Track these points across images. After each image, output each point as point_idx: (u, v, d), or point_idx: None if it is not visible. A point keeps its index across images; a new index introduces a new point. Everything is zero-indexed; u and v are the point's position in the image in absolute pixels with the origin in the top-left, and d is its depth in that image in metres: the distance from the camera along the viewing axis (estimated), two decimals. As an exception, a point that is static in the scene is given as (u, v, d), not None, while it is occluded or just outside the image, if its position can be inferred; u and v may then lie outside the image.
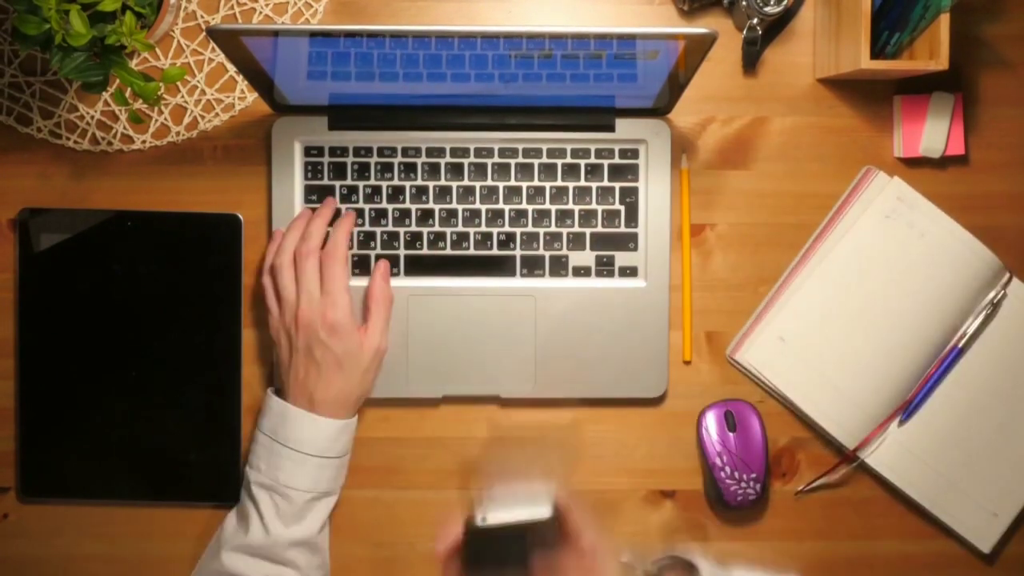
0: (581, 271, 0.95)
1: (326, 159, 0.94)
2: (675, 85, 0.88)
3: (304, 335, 0.88)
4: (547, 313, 0.95)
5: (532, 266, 0.95)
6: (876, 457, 0.95)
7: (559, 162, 0.95)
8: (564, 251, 0.95)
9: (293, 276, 0.90)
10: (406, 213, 0.95)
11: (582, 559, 0.79)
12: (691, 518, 0.97)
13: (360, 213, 0.94)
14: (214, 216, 0.95)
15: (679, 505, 0.97)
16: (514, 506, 0.81)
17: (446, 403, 0.96)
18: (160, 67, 0.96)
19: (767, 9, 0.92)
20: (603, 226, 0.95)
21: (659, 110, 0.94)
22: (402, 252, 0.95)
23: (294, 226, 0.92)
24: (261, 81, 0.89)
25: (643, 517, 0.97)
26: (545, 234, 0.95)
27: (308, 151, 0.94)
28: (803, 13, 0.97)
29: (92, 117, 0.96)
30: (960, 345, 0.95)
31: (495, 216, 0.95)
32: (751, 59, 0.96)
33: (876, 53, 0.90)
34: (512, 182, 0.95)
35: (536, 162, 0.95)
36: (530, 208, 0.95)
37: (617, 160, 0.95)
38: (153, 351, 0.95)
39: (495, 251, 0.95)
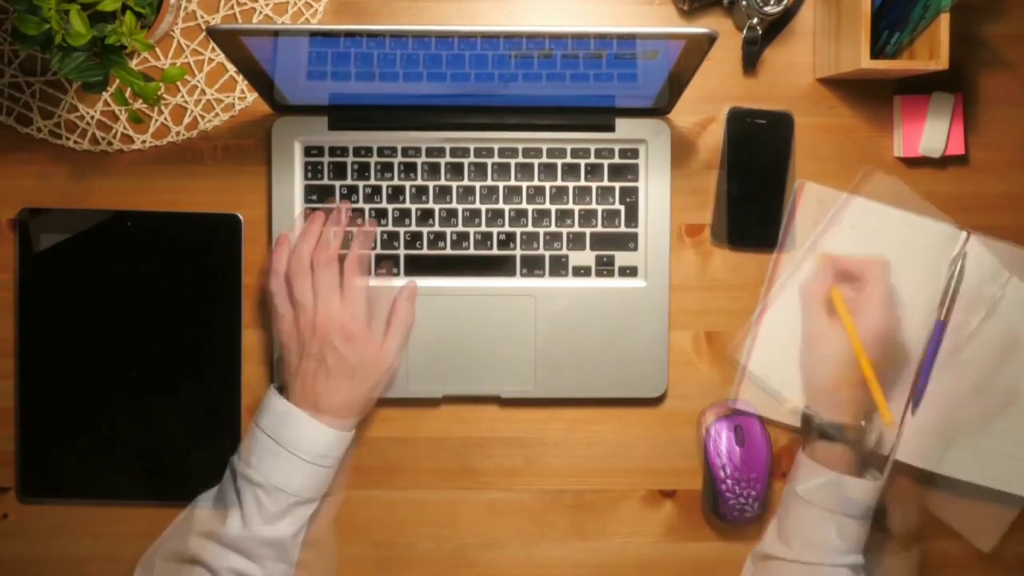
0: (581, 271, 0.95)
1: (326, 159, 0.94)
2: (675, 85, 0.88)
3: (319, 341, 0.88)
4: (547, 313, 0.95)
5: (532, 266, 0.95)
6: (903, 453, 0.94)
7: (559, 162, 0.95)
8: (564, 251, 0.95)
9: (311, 282, 0.89)
10: (406, 213, 0.95)
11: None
12: (691, 518, 0.97)
13: (360, 213, 0.94)
14: (214, 216, 0.95)
15: (679, 505, 0.97)
16: None
17: (446, 403, 0.96)
18: (160, 67, 0.96)
19: (767, 9, 0.92)
20: (603, 226, 0.95)
21: (659, 110, 0.94)
22: (402, 252, 0.95)
23: (308, 231, 0.92)
24: (261, 81, 0.89)
25: (643, 517, 0.97)
26: (545, 234, 0.95)
27: (308, 151, 0.94)
28: (803, 13, 0.97)
29: (92, 117, 0.96)
30: (941, 318, 0.95)
31: (495, 216, 0.95)
32: (751, 59, 0.96)
33: (876, 53, 0.90)
34: (512, 182, 0.95)
35: (536, 162, 0.95)
36: (530, 208, 0.95)
37: (617, 160, 0.95)
38: (153, 351, 0.95)
39: (495, 251, 0.95)
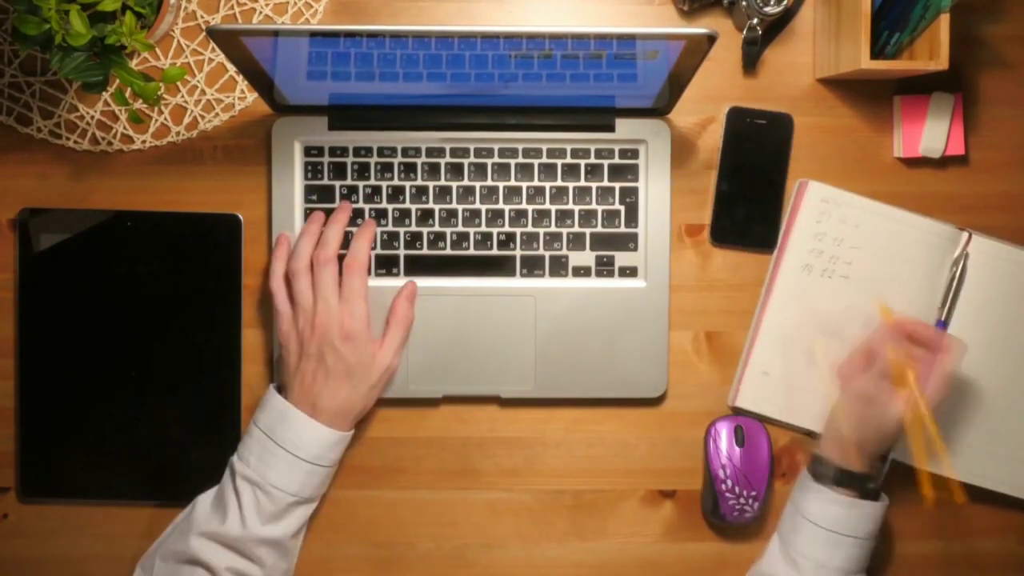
0: (581, 271, 0.95)
1: (326, 159, 0.94)
2: (675, 85, 0.88)
3: (318, 341, 0.88)
4: (547, 313, 0.95)
5: (532, 266, 0.95)
6: (903, 452, 0.95)
7: (559, 162, 0.95)
8: (564, 251, 0.95)
9: (310, 282, 0.89)
10: (406, 213, 0.95)
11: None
12: (691, 518, 0.97)
13: (360, 213, 0.94)
14: (214, 216, 0.95)
15: (679, 505, 0.97)
16: None
17: (446, 403, 0.96)
18: (160, 67, 0.96)
19: (767, 9, 0.92)
20: (603, 226, 0.95)
21: (659, 110, 0.94)
22: (402, 252, 0.95)
23: (308, 230, 0.91)
24: (261, 81, 0.89)
25: (643, 517, 0.97)
26: (545, 234, 0.95)
27: (308, 151, 0.94)
28: (803, 13, 0.97)
29: (92, 117, 0.96)
30: (942, 319, 0.95)
31: (495, 216, 0.95)
32: (751, 59, 0.96)
33: (876, 53, 0.90)
34: (512, 182, 0.95)
35: (536, 162, 0.95)
36: (530, 208, 0.95)
37: (617, 160, 0.95)
38: (153, 351, 0.95)
39: (495, 251, 0.95)
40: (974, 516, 0.97)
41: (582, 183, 0.95)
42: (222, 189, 0.96)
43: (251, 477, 0.87)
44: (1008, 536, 0.97)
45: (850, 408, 0.89)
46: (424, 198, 0.95)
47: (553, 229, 0.95)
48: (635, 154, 0.95)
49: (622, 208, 0.95)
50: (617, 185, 0.95)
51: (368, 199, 0.94)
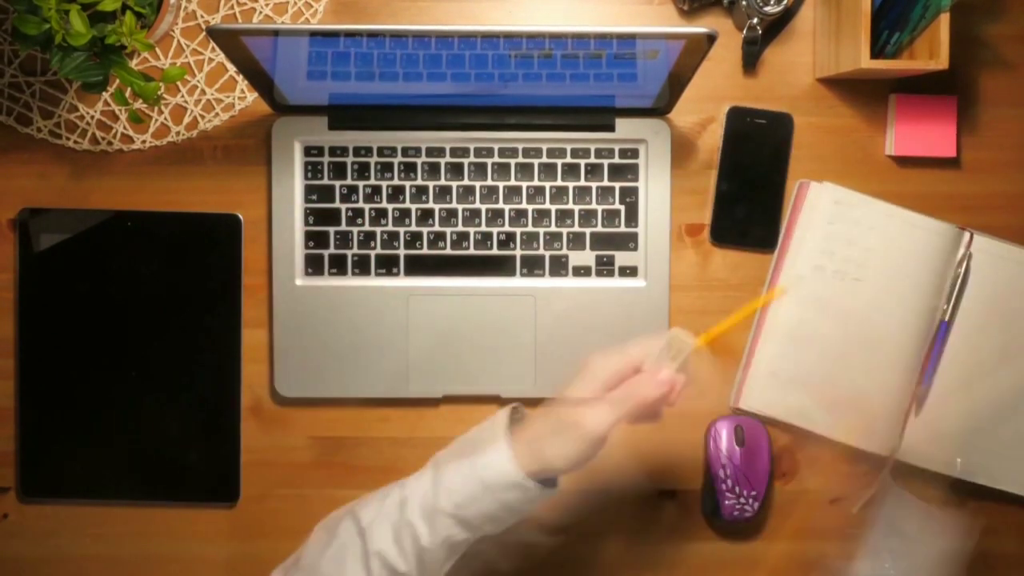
0: (581, 271, 0.95)
1: (326, 159, 0.94)
2: (675, 85, 0.88)
3: None
4: (547, 313, 0.95)
5: (532, 266, 0.95)
6: (907, 453, 0.95)
7: (559, 162, 0.95)
8: (564, 251, 0.95)
9: None
10: (406, 213, 0.95)
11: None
12: (691, 518, 0.97)
13: (360, 213, 0.94)
14: (214, 216, 0.95)
15: (679, 505, 0.97)
16: None
17: (446, 403, 0.96)
18: (160, 67, 0.96)
19: (767, 9, 0.92)
20: (603, 226, 0.95)
21: (659, 110, 0.94)
22: (402, 252, 0.95)
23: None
24: (261, 81, 0.89)
25: (643, 517, 0.97)
26: (545, 234, 0.95)
27: (308, 151, 0.94)
28: (803, 13, 0.97)
29: (92, 117, 0.96)
30: (946, 319, 0.95)
31: (495, 216, 0.95)
32: (751, 59, 0.96)
33: (876, 53, 0.90)
34: (512, 182, 0.95)
35: (536, 162, 0.95)
36: (530, 208, 0.95)
37: (617, 160, 0.95)
38: (153, 351, 0.95)
39: (495, 251, 0.95)
40: (974, 516, 0.97)
41: (582, 183, 0.95)
42: (222, 189, 0.96)
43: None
44: (1008, 536, 0.97)
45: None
46: (424, 198, 0.95)
47: (553, 229, 0.95)
48: (635, 154, 0.95)
49: (622, 208, 0.95)
50: (617, 185, 0.95)
51: (368, 199, 0.95)
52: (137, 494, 0.96)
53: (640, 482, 0.97)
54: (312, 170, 0.95)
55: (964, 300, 0.95)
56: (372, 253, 0.95)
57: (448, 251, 0.95)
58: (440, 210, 0.95)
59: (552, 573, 0.97)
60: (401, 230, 0.95)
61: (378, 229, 0.95)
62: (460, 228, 0.95)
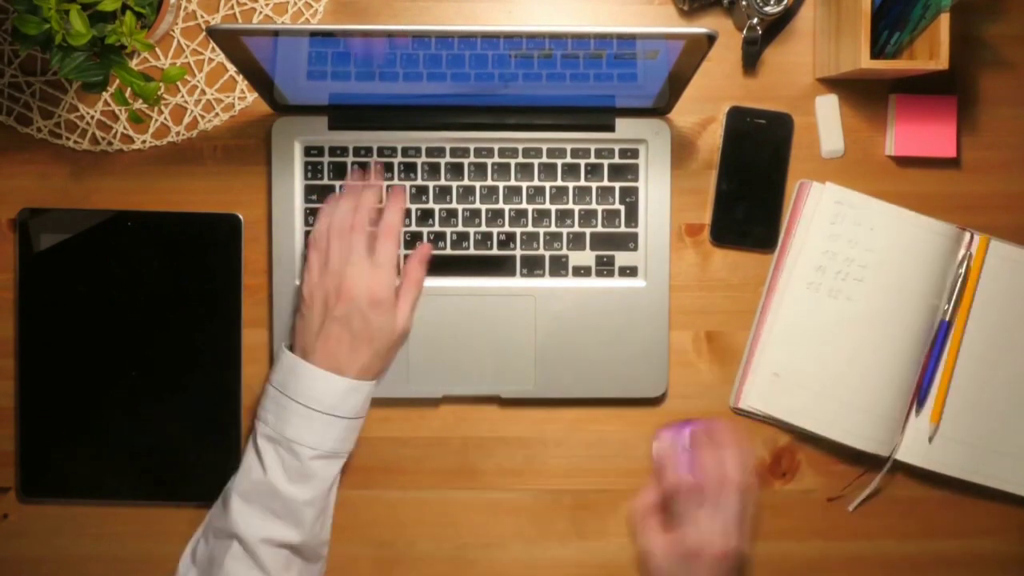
0: (581, 271, 0.95)
1: (326, 159, 0.94)
2: (675, 85, 0.88)
3: (344, 305, 0.88)
4: (547, 313, 0.95)
5: (532, 266, 0.95)
6: (906, 453, 0.95)
7: (559, 162, 0.95)
8: (564, 251, 0.95)
9: (342, 246, 0.90)
10: (406, 213, 0.95)
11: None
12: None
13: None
14: (214, 216, 0.95)
15: (679, 505, 0.97)
16: None
17: (446, 403, 0.96)
18: (160, 67, 0.96)
19: (767, 9, 0.92)
20: (603, 226, 0.95)
21: (659, 110, 0.94)
22: (402, 252, 0.95)
23: (351, 194, 0.92)
24: (261, 81, 0.89)
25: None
26: (545, 234, 0.95)
27: (308, 151, 0.94)
28: (803, 13, 0.97)
29: (92, 117, 0.96)
30: (946, 319, 0.95)
31: (495, 216, 0.95)
32: (751, 59, 0.96)
33: (876, 53, 0.90)
34: (512, 182, 0.95)
35: (536, 162, 0.95)
36: (530, 208, 0.95)
37: (617, 160, 0.95)
38: (153, 351, 0.95)
39: (495, 251, 0.95)
40: (974, 516, 0.97)
41: (582, 183, 0.95)
42: (222, 189, 0.96)
43: (271, 435, 0.87)
44: (1009, 535, 0.97)
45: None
46: (424, 198, 0.95)
47: (553, 229, 0.95)
48: (635, 154, 0.95)
49: (622, 208, 0.95)
50: (617, 185, 0.95)
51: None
52: (137, 494, 0.96)
53: (641, 482, 0.97)
54: (312, 170, 0.95)
55: (974, 302, 0.95)
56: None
57: (448, 251, 0.95)
58: (440, 210, 0.95)
59: (552, 573, 0.97)
60: (401, 230, 0.95)
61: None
62: (460, 228, 0.95)
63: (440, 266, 0.95)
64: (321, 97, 0.92)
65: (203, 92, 0.96)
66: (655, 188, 0.95)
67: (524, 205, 0.95)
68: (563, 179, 0.95)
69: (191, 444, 0.95)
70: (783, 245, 0.96)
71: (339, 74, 0.87)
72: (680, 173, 0.96)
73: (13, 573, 0.96)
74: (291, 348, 0.91)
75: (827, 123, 0.96)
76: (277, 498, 0.86)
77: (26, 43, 0.82)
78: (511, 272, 0.95)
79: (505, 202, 0.95)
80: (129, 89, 0.85)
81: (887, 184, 0.96)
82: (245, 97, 0.96)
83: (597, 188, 0.95)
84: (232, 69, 0.96)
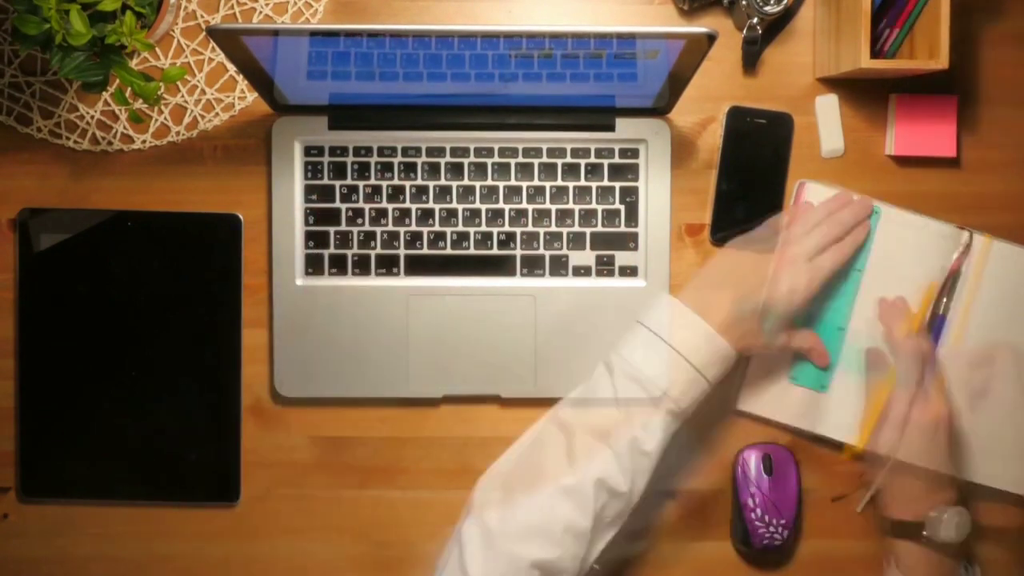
0: (581, 271, 0.95)
1: (326, 159, 0.94)
2: (675, 85, 0.88)
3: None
4: (547, 313, 0.95)
5: (532, 266, 0.95)
6: (905, 451, 0.95)
7: (559, 162, 0.95)
8: (564, 251, 0.95)
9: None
10: (406, 213, 0.95)
11: None
12: (691, 518, 0.97)
13: (360, 213, 0.94)
14: (214, 216, 0.95)
15: (679, 505, 0.97)
16: None
17: (446, 403, 0.96)
18: (160, 67, 0.96)
19: (767, 9, 0.92)
20: (603, 226, 0.95)
21: (659, 110, 0.94)
22: (402, 252, 0.95)
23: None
24: (261, 81, 0.89)
25: (643, 517, 0.97)
26: (545, 234, 0.95)
27: (308, 151, 0.94)
28: (803, 13, 0.97)
29: (92, 117, 0.96)
30: (941, 313, 0.95)
31: (495, 216, 0.95)
32: (751, 59, 0.96)
33: (876, 53, 0.90)
34: (512, 182, 0.95)
35: (536, 162, 0.95)
36: (530, 208, 0.95)
37: (617, 160, 0.95)
38: (153, 351, 0.95)
39: (495, 251, 0.95)
40: (974, 516, 0.97)
41: (582, 182, 0.95)
42: (222, 189, 0.96)
43: (629, 372, 0.84)
44: (1009, 535, 0.97)
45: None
46: (424, 198, 0.95)
47: (553, 229, 0.95)
48: (635, 153, 0.95)
49: (622, 207, 0.95)
50: (617, 184, 0.95)
51: (368, 199, 0.95)
52: (137, 494, 0.96)
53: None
54: (312, 170, 0.95)
55: (966, 299, 0.95)
56: (372, 253, 0.95)
57: (448, 251, 0.95)
58: (440, 210, 0.95)
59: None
60: (401, 230, 0.95)
61: (378, 229, 0.95)
62: (460, 228, 0.95)
63: (440, 266, 0.95)
64: (321, 97, 0.92)
65: (203, 92, 0.96)
66: (655, 188, 0.95)
67: (524, 205, 0.95)
68: (563, 179, 0.95)
69: (191, 444, 0.95)
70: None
71: (339, 74, 0.87)
72: (680, 173, 0.96)
73: (13, 573, 0.96)
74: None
75: (827, 123, 0.96)
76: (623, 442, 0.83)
77: (26, 43, 0.82)
78: (511, 272, 0.95)
79: (505, 202, 0.95)
80: (129, 89, 0.85)
81: (887, 184, 0.96)
82: (245, 97, 0.96)
83: (597, 188, 0.95)
84: (232, 69, 0.96)
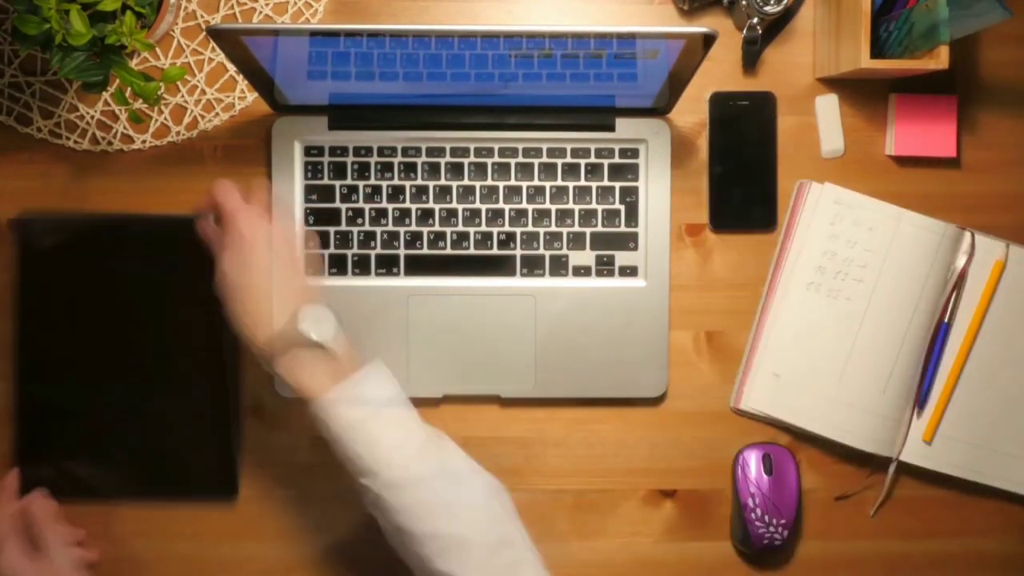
0: (581, 271, 0.95)
1: (326, 159, 0.94)
2: (675, 85, 0.88)
3: None
4: (547, 313, 0.95)
5: (532, 266, 0.95)
6: (908, 453, 0.95)
7: (559, 162, 0.95)
8: (564, 251, 0.95)
9: None
10: (406, 213, 0.95)
11: None
12: (692, 518, 0.97)
13: (360, 213, 0.94)
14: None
15: (679, 505, 0.97)
16: None
17: (446, 403, 0.96)
18: (160, 67, 0.96)
19: (767, 9, 0.92)
20: (603, 226, 0.95)
21: (659, 110, 0.94)
22: (402, 252, 0.95)
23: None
24: (261, 81, 0.89)
25: (644, 517, 0.97)
26: (545, 234, 0.95)
27: (308, 151, 0.94)
28: (803, 13, 0.97)
29: (92, 117, 0.96)
30: (946, 320, 0.95)
31: (495, 216, 0.95)
32: (751, 59, 0.96)
33: (876, 52, 0.90)
34: (512, 182, 0.95)
35: (536, 162, 0.95)
36: (530, 208, 0.95)
37: (617, 160, 0.95)
38: (152, 351, 0.95)
39: (495, 251, 0.95)
40: (976, 515, 0.97)
41: (582, 182, 0.95)
42: (222, 189, 0.96)
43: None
44: (1009, 536, 0.97)
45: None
46: (424, 198, 0.95)
47: (553, 229, 0.95)
48: (635, 153, 0.95)
49: (622, 208, 0.95)
50: (617, 184, 0.95)
51: (368, 199, 0.95)
52: (137, 494, 0.96)
53: (641, 482, 0.97)
54: (312, 170, 0.95)
55: (967, 299, 0.95)
56: (372, 253, 0.95)
57: (448, 251, 0.95)
58: (440, 210, 0.95)
59: (552, 573, 0.97)
60: (401, 230, 0.95)
61: (378, 229, 0.95)
62: (460, 228, 0.95)
63: (440, 266, 0.95)
64: (321, 97, 0.92)
65: (203, 92, 0.96)
66: (655, 188, 0.95)
67: (524, 205, 0.95)
68: (563, 179, 0.95)
69: (191, 445, 0.95)
70: (783, 246, 0.96)
71: (339, 74, 0.87)
72: (680, 173, 0.96)
73: (13, 573, 0.96)
74: None
75: (827, 123, 0.96)
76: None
77: (26, 43, 0.82)
78: (511, 272, 0.95)
79: (505, 202, 0.95)
80: (129, 89, 0.85)
81: (887, 184, 0.96)
82: (245, 97, 0.96)
83: (597, 188, 0.95)
84: (232, 69, 0.96)
